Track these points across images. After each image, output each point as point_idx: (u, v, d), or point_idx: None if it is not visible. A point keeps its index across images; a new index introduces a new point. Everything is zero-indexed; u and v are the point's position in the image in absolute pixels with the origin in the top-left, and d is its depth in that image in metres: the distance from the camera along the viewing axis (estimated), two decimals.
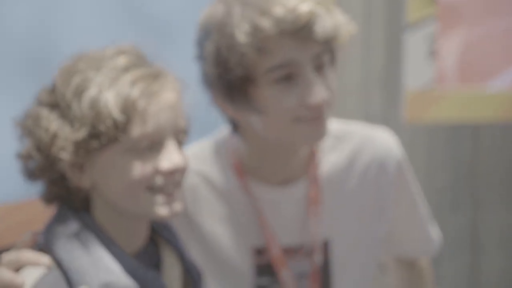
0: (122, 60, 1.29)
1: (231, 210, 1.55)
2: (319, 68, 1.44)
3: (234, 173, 1.55)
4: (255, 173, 1.54)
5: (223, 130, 1.59)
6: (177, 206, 1.30)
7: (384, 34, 2.82)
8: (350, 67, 2.78)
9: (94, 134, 1.25)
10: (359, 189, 1.59)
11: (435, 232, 1.74)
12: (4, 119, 1.83)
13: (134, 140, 1.26)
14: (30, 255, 1.25)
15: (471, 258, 3.05)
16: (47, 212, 1.35)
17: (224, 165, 1.56)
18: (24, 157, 1.30)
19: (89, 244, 1.28)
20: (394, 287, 1.81)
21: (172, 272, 1.36)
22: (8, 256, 1.26)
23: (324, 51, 1.44)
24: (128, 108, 1.25)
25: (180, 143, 1.32)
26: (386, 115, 2.83)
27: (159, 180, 1.28)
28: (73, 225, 1.29)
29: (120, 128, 1.25)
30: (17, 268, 1.25)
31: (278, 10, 1.39)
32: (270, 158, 1.53)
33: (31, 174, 1.31)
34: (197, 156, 1.56)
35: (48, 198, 1.32)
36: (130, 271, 1.28)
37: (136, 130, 1.26)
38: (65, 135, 1.26)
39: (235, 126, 1.52)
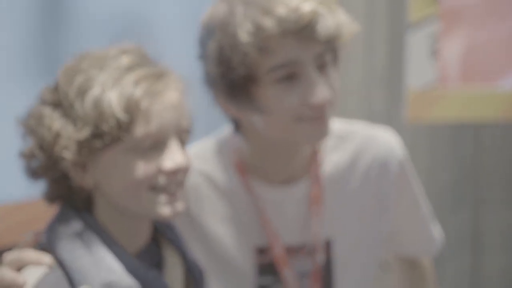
0: (125, 60, 1.29)
1: (233, 210, 1.56)
2: (321, 67, 1.44)
3: (236, 172, 1.55)
4: (257, 172, 1.54)
5: (225, 129, 1.59)
6: (180, 206, 1.30)
7: (386, 34, 2.82)
8: (352, 66, 2.78)
9: (97, 134, 1.25)
10: (361, 188, 1.59)
11: (437, 232, 1.74)
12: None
13: (137, 140, 1.26)
14: (32, 254, 1.25)
15: (473, 257, 3.05)
16: (48, 212, 1.35)
17: (226, 164, 1.56)
18: (27, 156, 1.30)
19: (91, 244, 1.28)
20: (395, 287, 1.81)
21: (174, 272, 1.36)
22: (10, 256, 1.26)
23: (327, 50, 1.44)
24: (131, 108, 1.25)
25: (183, 142, 1.32)
26: (388, 115, 2.83)
27: (161, 180, 1.28)
28: (75, 225, 1.29)
29: (123, 127, 1.25)
30: (19, 267, 1.25)
31: (281, 10, 1.39)
32: (272, 158, 1.53)
33: (33, 173, 1.31)
34: (199, 155, 1.56)
35: (51, 197, 1.32)
36: (132, 271, 1.28)
37: (139, 130, 1.26)
38: (68, 134, 1.26)
39: (237, 126, 1.52)
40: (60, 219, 1.30)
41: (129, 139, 1.26)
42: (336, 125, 1.59)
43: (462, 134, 2.99)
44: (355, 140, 1.60)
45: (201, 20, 1.48)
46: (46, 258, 1.25)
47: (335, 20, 1.42)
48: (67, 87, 1.28)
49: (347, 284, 1.59)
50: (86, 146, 1.26)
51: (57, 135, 1.26)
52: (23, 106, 1.33)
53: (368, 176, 1.60)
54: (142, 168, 1.27)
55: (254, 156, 1.54)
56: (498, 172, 3.03)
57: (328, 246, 1.58)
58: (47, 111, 1.28)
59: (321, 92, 1.42)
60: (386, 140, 1.62)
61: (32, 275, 1.23)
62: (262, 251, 1.55)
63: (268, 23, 1.39)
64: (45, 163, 1.28)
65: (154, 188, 1.28)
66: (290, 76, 1.42)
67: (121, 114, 1.25)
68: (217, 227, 1.56)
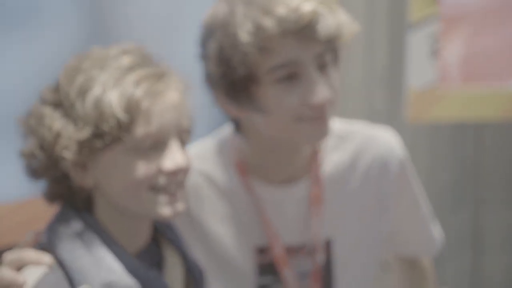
0: (126, 60, 1.29)
1: (234, 209, 1.56)
2: (322, 67, 1.44)
3: (236, 172, 1.55)
4: (257, 172, 1.54)
5: (226, 129, 1.60)
6: (180, 206, 1.31)
7: (387, 34, 2.82)
8: (352, 66, 2.78)
9: (97, 134, 1.25)
10: (361, 188, 1.60)
11: (437, 232, 1.74)
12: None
13: (137, 140, 1.26)
14: (32, 254, 1.25)
15: (473, 257, 3.05)
16: (48, 212, 1.35)
17: (226, 164, 1.56)
18: (27, 156, 1.30)
19: (91, 244, 1.28)
20: (395, 287, 1.81)
21: (174, 272, 1.36)
22: (10, 256, 1.26)
23: (327, 50, 1.44)
24: (132, 108, 1.25)
25: (184, 143, 1.32)
26: (389, 114, 2.83)
27: (162, 180, 1.28)
28: (75, 225, 1.29)
29: (124, 128, 1.25)
30: (19, 267, 1.25)
31: (281, 10, 1.39)
32: (272, 158, 1.53)
33: (34, 173, 1.31)
34: (200, 155, 1.56)
35: (51, 197, 1.33)
36: (132, 271, 1.28)
37: (139, 130, 1.26)
38: (68, 134, 1.26)
39: (238, 126, 1.52)
40: (60, 219, 1.30)
41: (130, 139, 1.26)
42: (336, 125, 1.59)
43: (462, 134, 2.99)
44: (355, 140, 1.60)
45: (202, 20, 1.48)
46: (46, 258, 1.25)
47: (336, 20, 1.42)
48: (68, 87, 1.28)
49: (347, 284, 1.59)
50: (87, 146, 1.26)
51: (58, 135, 1.27)
52: None
53: (368, 176, 1.60)
54: (143, 168, 1.27)
55: (254, 156, 1.54)
56: (499, 172, 3.03)
57: (328, 246, 1.58)
58: (48, 111, 1.29)
59: (321, 92, 1.42)
60: (386, 140, 1.62)
61: (32, 275, 1.23)
62: (262, 251, 1.55)
63: (268, 23, 1.39)
64: (45, 163, 1.29)
65: (154, 188, 1.28)
66: (291, 76, 1.42)
67: (121, 114, 1.25)
68: (217, 227, 1.56)
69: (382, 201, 1.61)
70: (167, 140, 1.29)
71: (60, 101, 1.29)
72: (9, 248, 1.33)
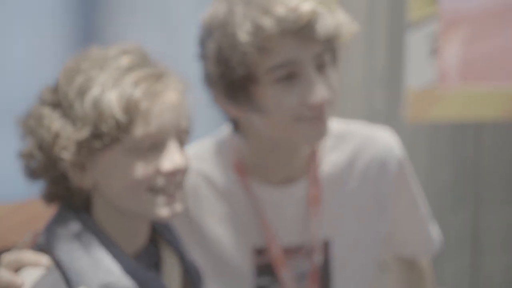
0: (125, 60, 1.29)
1: (232, 210, 1.56)
2: (320, 67, 1.44)
3: (235, 172, 1.55)
4: (256, 172, 1.54)
5: (224, 129, 1.59)
6: (178, 207, 1.31)
7: (386, 33, 2.82)
8: (352, 66, 2.78)
9: (96, 134, 1.25)
10: (360, 189, 1.60)
11: (435, 232, 1.74)
12: None
13: (136, 141, 1.26)
14: (30, 255, 1.25)
15: (473, 257, 3.05)
16: (48, 212, 1.35)
17: (225, 164, 1.56)
18: (26, 156, 1.30)
19: (89, 245, 1.28)
20: (394, 287, 1.81)
21: (172, 273, 1.36)
22: (8, 257, 1.26)
23: (326, 50, 1.44)
24: (131, 109, 1.25)
25: (183, 143, 1.32)
26: (388, 114, 2.83)
27: (160, 181, 1.28)
28: (73, 226, 1.29)
29: (122, 128, 1.25)
30: (17, 268, 1.25)
31: (280, 9, 1.39)
32: (271, 158, 1.53)
33: (32, 173, 1.31)
34: (198, 155, 1.56)
35: (49, 197, 1.32)
36: (130, 272, 1.28)
37: (138, 131, 1.26)
38: (67, 134, 1.26)
39: (236, 126, 1.52)
40: (59, 220, 1.30)
41: (128, 139, 1.26)
42: (335, 125, 1.59)
43: (462, 134, 2.99)
44: (354, 140, 1.60)
45: (201, 20, 1.48)
46: (44, 259, 1.25)
47: (335, 20, 1.42)
48: (67, 87, 1.28)
49: (345, 284, 1.59)
50: (85, 147, 1.26)
51: (57, 136, 1.26)
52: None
53: (366, 176, 1.60)
54: (141, 169, 1.27)
55: (253, 156, 1.54)
56: (498, 172, 3.03)
57: (326, 247, 1.58)
58: (47, 111, 1.28)
59: (320, 92, 1.42)
60: (384, 140, 1.62)
61: (30, 276, 1.24)
62: (260, 251, 1.55)
63: (267, 22, 1.39)
64: (44, 164, 1.28)
65: (153, 189, 1.28)
66: (289, 76, 1.42)
67: (120, 115, 1.25)
68: (215, 227, 1.56)
69: (380, 201, 1.61)
70: (165, 141, 1.29)
71: (59, 102, 1.29)
72: (9, 248, 1.33)
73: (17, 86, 1.99)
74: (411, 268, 1.77)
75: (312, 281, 1.57)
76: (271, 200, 1.55)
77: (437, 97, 2.72)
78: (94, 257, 1.27)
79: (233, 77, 1.42)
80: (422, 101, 2.72)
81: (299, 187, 1.56)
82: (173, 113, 1.29)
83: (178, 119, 1.30)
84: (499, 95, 2.72)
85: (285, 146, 1.52)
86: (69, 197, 1.31)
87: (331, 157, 1.59)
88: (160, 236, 1.39)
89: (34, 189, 1.34)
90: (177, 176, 1.30)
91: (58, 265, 1.26)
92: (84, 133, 1.25)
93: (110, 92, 1.26)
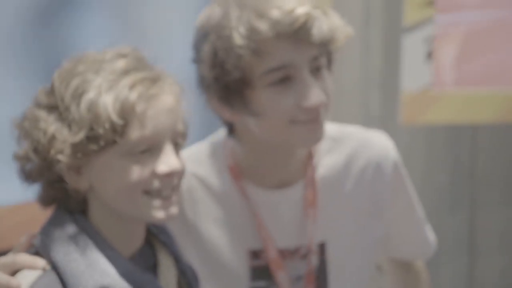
0: (121, 63, 1.29)
1: (228, 213, 1.56)
2: (316, 70, 1.44)
3: (230, 175, 1.55)
4: (251, 175, 1.55)
5: (220, 133, 1.60)
6: (174, 210, 1.31)
7: (382, 37, 2.83)
8: (348, 69, 2.79)
9: (92, 137, 1.25)
10: (356, 191, 1.60)
11: (431, 234, 1.74)
12: None
13: (132, 144, 1.27)
14: (26, 258, 1.25)
15: (469, 259, 3.05)
16: (46, 214, 1.35)
17: (220, 167, 1.56)
18: (21, 159, 1.30)
19: (85, 247, 1.28)
20: None
21: (168, 275, 1.36)
22: (4, 259, 1.26)
23: (321, 53, 1.44)
24: (127, 112, 1.25)
25: (178, 146, 1.32)
26: (384, 117, 2.83)
27: (156, 184, 1.28)
28: (69, 228, 1.29)
29: (118, 131, 1.25)
30: (13, 271, 1.25)
31: (275, 13, 1.39)
32: (266, 161, 1.53)
33: (28, 176, 1.31)
34: (194, 158, 1.56)
35: (45, 200, 1.32)
36: (126, 274, 1.28)
37: (134, 134, 1.26)
38: (63, 137, 1.26)
39: (232, 129, 1.52)
40: (54, 222, 1.30)
41: (124, 142, 1.26)
42: (331, 128, 1.60)
43: (459, 136, 3.00)
44: (350, 143, 1.60)
45: (196, 23, 1.48)
46: (40, 261, 1.25)
47: (329, 23, 1.43)
48: (63, 90, 1.28)
49: (341, 286, 1.59)
50: (81, 150, 1.26)
51: (52, 138, 1.26)
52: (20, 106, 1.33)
53: (362, 179, 1.60)
54: (137, 172, 1.27)
55: (248, 159, 1.54)
56: (495, 173, 3.04)
57: (322, 249, 1.58)
58: (43, 114, 1.28)
59: (315, 95, 1.42)
60: (380, 143, 1.62)
61: (26, 278, 1.24)
62: (256, 254, 1.55)
63: (263, 26, 1.39)
64: (39, 166, 1.28)
65: (149, 192, 1.28)
66: (285, 79, 1.42)
67: (116, 118, 1.25)
68: (211, 230, 1.56)
69: (376, 204, 1.61)
70: (161, 144, 1.29)
71: (55, 104, 1.29)
72: (7, 250, 1.33)
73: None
74: (407, 271, 1.77)
75: (308, 283, 1.57)
76: (267, 203, 1.55)
77: (432, 100, 2.73)
78: (90, 259, 1.27)
79: (228, 81, 1.42)
80: (417, 104, 2.73)
81: (295, 189, 1.56)
82: (169, 116, 1.29)
83: (174, 122, 1.30)
84: (495, 98, 2.73)
85: (280, 149, 1.52)
86: (65, 199, 1.31)
87: (327, 160, 1.59)
88: (155, 238, 1.39)
89: (34, 190, 1.34)
90: (173, 179, 1.30)
91: (54, 267, 1.26)
92: (80, 136, 1.25)
93: (106, 95, 1.26)
